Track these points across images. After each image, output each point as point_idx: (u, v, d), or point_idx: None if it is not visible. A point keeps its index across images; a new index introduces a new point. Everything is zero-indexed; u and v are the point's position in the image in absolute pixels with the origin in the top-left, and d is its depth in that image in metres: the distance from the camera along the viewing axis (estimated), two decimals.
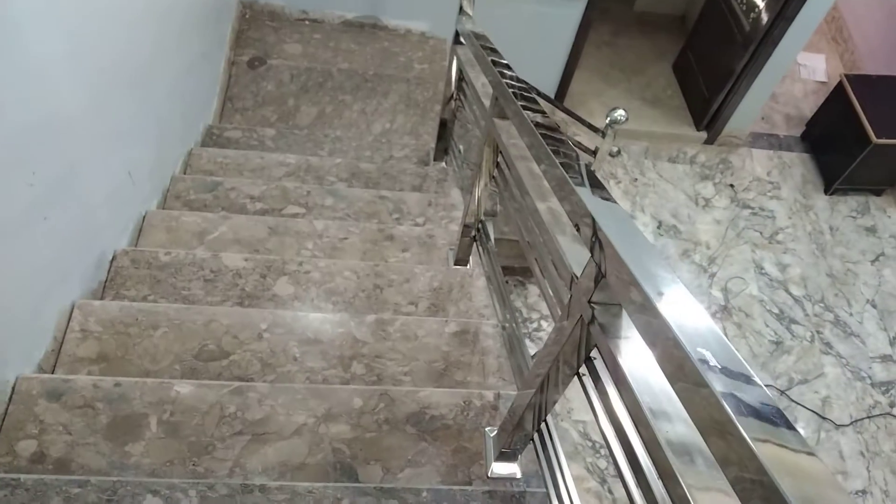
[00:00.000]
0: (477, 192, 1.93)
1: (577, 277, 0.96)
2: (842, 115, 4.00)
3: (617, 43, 4.70)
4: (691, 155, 4.28)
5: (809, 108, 4.67)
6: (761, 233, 3.98)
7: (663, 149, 4.28)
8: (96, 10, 1.69)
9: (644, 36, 4.80)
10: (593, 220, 0.86)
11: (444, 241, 2.31)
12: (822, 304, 3.69)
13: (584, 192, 0.95)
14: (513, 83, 1.54)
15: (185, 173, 2.63)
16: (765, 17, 3.59)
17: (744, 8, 3.79)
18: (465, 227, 2.06)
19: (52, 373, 1.60)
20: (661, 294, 0.67)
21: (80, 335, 1.67)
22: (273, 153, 2.83)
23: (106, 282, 1.91)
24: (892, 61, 4.38)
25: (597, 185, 0.98)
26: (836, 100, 4.12)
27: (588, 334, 0.91)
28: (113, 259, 1.95)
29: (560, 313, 1.06)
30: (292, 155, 2.83)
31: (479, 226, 2.03)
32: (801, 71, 4.85)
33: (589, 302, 0.88)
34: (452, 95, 2.72)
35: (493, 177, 1.83)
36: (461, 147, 2.92)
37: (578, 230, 0.95)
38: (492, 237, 2.00)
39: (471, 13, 2.40)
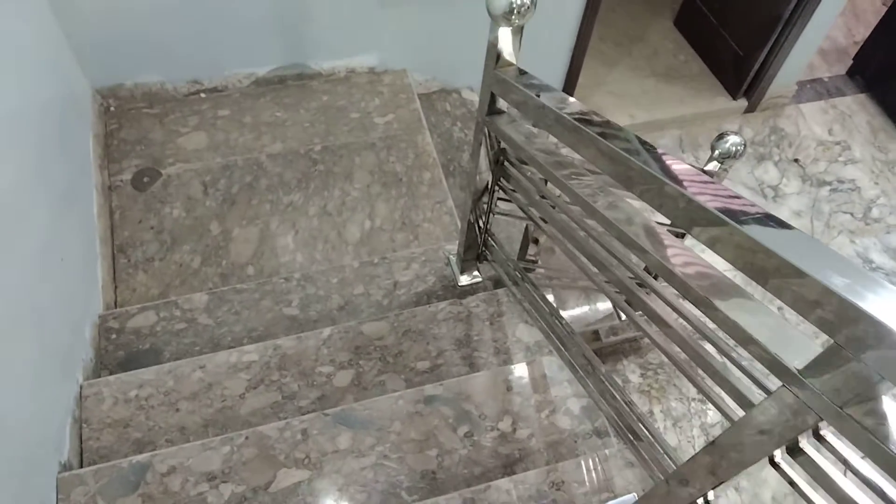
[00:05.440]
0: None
1: None
2: None
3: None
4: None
5: (843, 35, 3.78)
6: (852, 214, 3.10)
7: (700, 133, 3.31)
8: None
9: None
10: None
11: (583, 489, 1.29)
12: None
13: None
14: None
15: (80, 449, 1.50)
16: None
17: None
18: None
19: None
20: None
21: None
22: (217, 350, 1.72)
23: None
24: None
25: None
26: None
27: None
28: None
29: None
30: (248, 343, 1.73)
31: None
32: None
33: None
34: (486, 186, 1.66)
35: None
36: (502, 248, 1.87)
37: None
38: None
39: (515, 61, 1.33)
